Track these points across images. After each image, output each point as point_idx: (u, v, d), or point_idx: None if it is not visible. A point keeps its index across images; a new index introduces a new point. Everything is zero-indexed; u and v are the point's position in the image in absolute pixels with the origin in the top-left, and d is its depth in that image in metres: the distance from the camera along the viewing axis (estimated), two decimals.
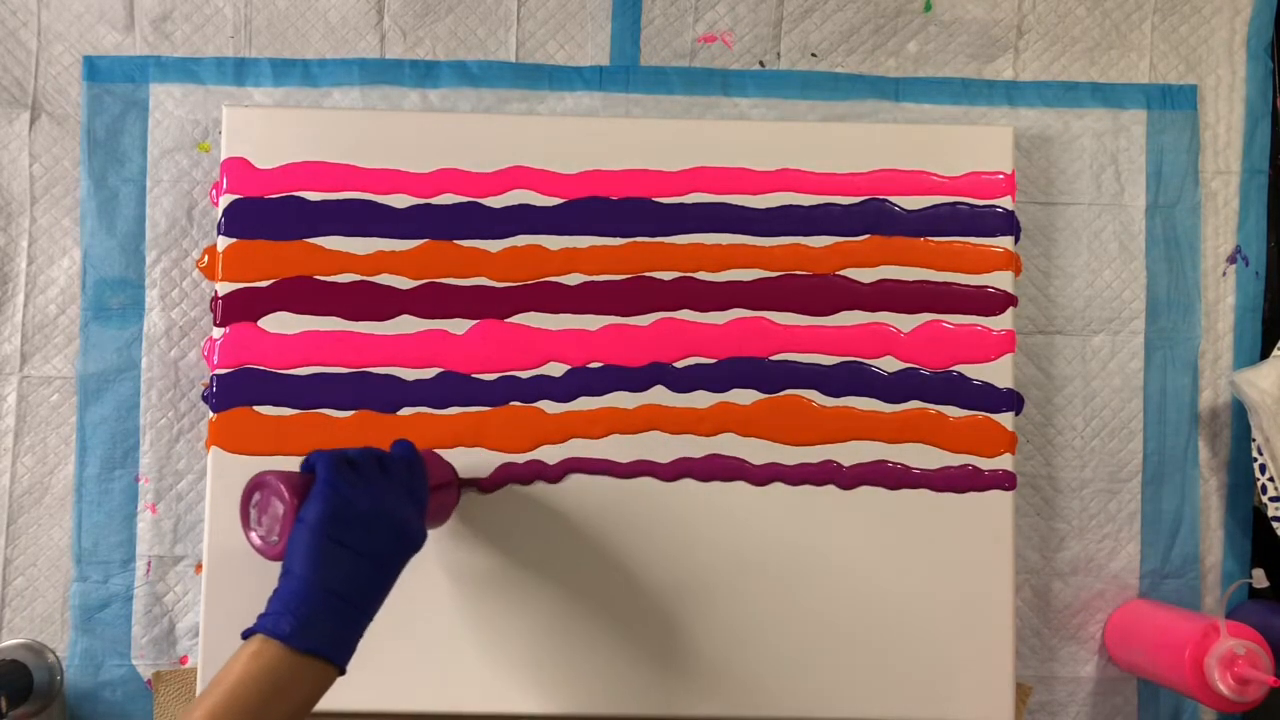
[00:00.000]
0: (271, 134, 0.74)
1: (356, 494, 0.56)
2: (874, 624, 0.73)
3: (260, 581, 0.71)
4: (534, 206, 0.75)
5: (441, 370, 0.74)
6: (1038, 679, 0.78)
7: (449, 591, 0.72)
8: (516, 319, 0.74)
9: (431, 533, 0.72)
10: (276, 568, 0.71)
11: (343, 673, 0.54)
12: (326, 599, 0.53)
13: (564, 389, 0.74)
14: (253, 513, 0.57)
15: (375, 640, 0.71)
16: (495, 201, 0.75)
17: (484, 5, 0.79)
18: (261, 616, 0.53)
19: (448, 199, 0.75)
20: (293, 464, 0.71)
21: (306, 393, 0.73)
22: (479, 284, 0.74)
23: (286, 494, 0.55)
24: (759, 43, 0.80)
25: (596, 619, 0.72)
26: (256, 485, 0.57)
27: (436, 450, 0.72)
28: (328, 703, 0.71)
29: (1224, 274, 0.80)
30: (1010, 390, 0.75)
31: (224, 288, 0.73)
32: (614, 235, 0.75)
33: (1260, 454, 0.74)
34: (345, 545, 0.54)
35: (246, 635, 0.53)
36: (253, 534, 0.57)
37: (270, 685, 0.51)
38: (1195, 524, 0.79)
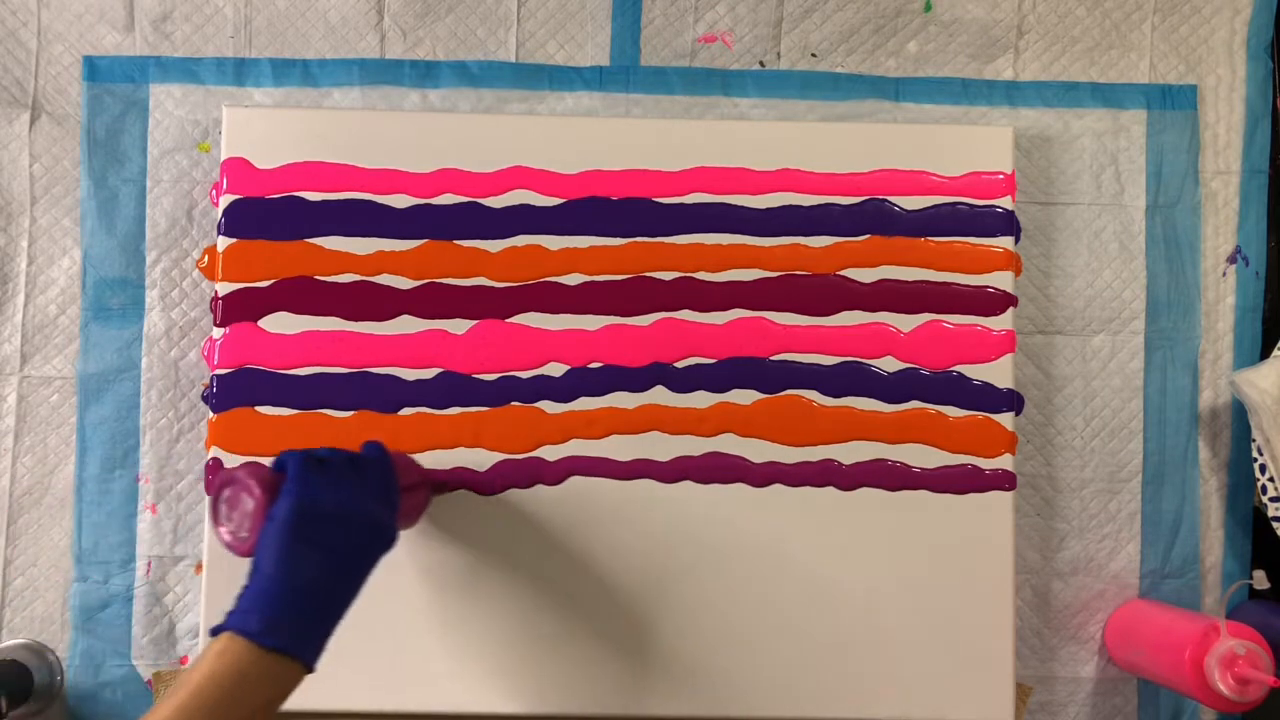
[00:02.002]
0: (271, 134, 0.74)
1: (326, 493, 0.56)
2: (874, 624, 0.73)
3: None
4: (534, 206, 0.75)
5: (441, 370, 0.74)
6: (1038, 679, 0.78)
7: (435, 593, 0.72)
8: (516, 319, 0.74)
9: (418, 534, 0.72)
10: None
11: (311, 671, 0.53)
12: (294, 597, 0.53)
13: (564, 389, 0.74)
14: (222, 508, 0.56)
15: (362, 641, 0.72)
16: (495, 201, 0.75)
17: (484, 5, 0.79)
18: (229, 614, 0.53)
19: (448, 199, 0.75)
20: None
21: (306, 393, 0.73)
22: (479, 284, 0.74)
23: (258, 490, 0.55)
24: (759, 43, 0.80)
25: (595, 619, 0.72)
26: (226, 481, 0.56)
27: (408, 452, 0.72)
28: (313, 703, 0.71)
29: (1224, 274, 0.80)
30: (1010, 390, 0.75)
31: (224, 288, 0.73)
32: (614, 235, 0.75)
33: (1260, 454, 0.74)
34: (314, 543, 0.54)
35: (214, 633, 0.52)
36: (222, 529, 0.56)
37: (236, 682, 0.51)
38: (1195, 524, 0.79)
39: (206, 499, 0.72)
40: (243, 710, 0.51)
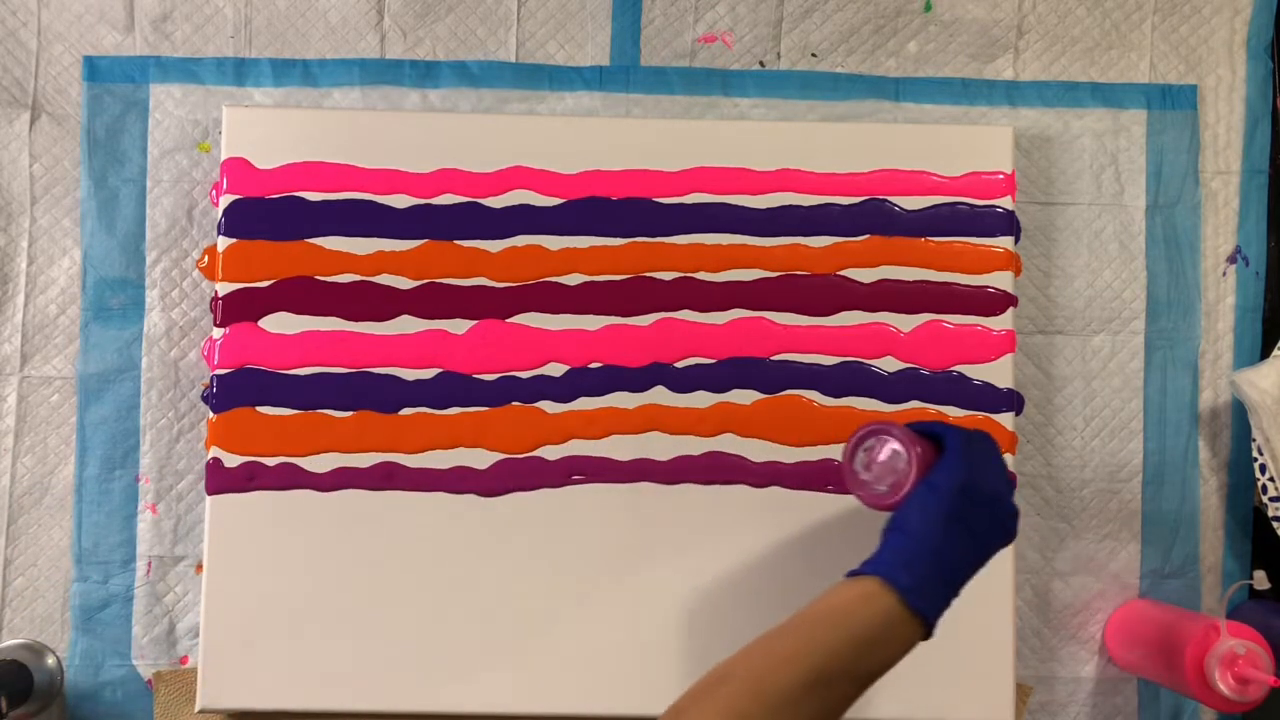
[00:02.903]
0: (271, 134, 0.74)
1: (985, 474, 0.57)
2: None
3: (260, 582, 0.71)
4: (534, 206, 0.75)
5: (441, 370, 0.74)
6: (1038, 679, 0.78)
7: (435, 593, 0.72)
8: (516, 319, 0.74)
9: (418, 534, 0.72)
10: (276, 568, 0.72)
11: (926, 638, 0.53)
12: (940, 567, 0.54)
13: (564, 389, 0.74)
14: (861, 455, 0.58)
15: (363, 641, 0.72)
16: (495, 201, 0.75)
17: (484, 5, 0.79)
18: (870, 563, 0.53)
19: (448, 199, 0.75)
20: (296, 464, 0.72)
21: (306, 393, 0.73)
22: (479, 284, 0.74)
23: (916, 450, 0.56)
24: (759, 43, 0.80)
25: (596, 619, 0.72)
26: (874, 432, 0.58)
27: None
28: (313, 703, 0.71)
29: (1224, 274, 0.80)
30: (1010, 390, 0.75)
31: (224, 288, 0.73)
32: (614, 235, 0.75)
33: (1260, 454, 0.75)
34: (965, 521, 0.55)
35: (852, 575, 0.53)
36: (862, 476, 0.58)
37: (882, 631, 0.51)
38: (1195, 524, 0.79)
39: (207, 500, 0.72)
40: (878, 661, 0.51)
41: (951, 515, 0.55)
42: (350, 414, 0.73)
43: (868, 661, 0.51)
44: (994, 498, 0.57)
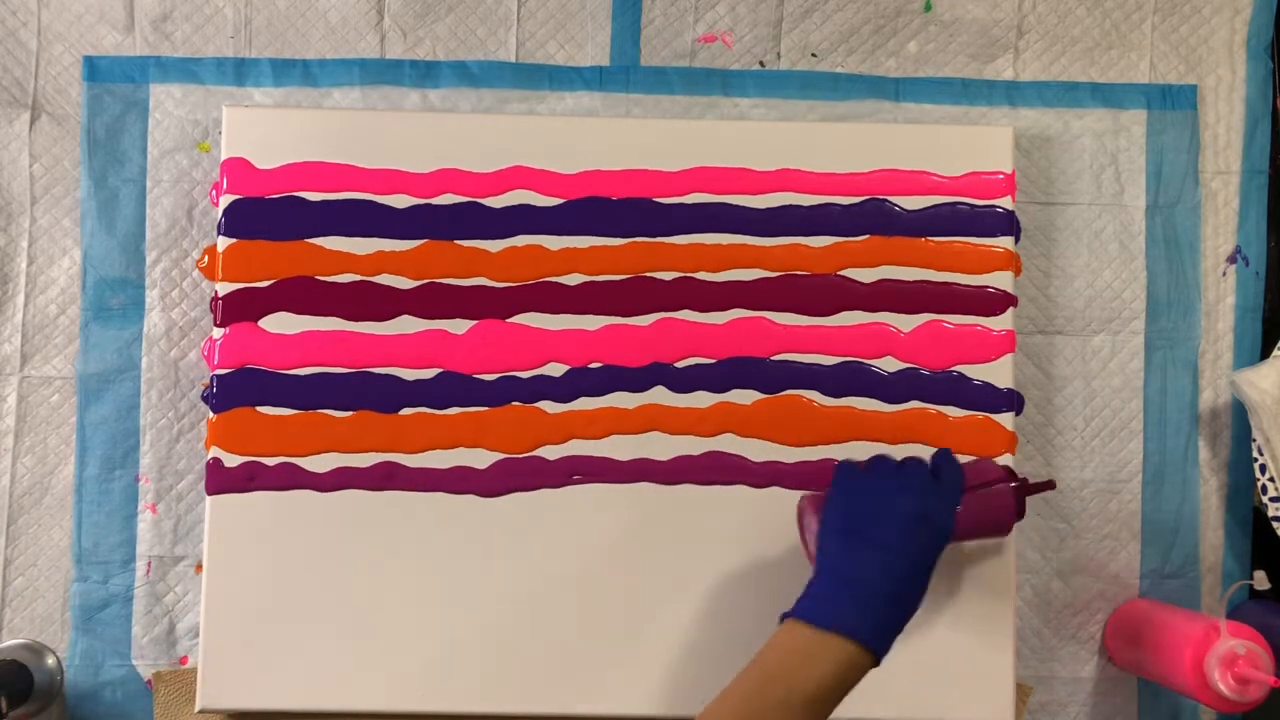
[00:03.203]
0: (271, 134, 0.74)
1: (863, 488, 0.62)
2: None
3: (260, 582, 0.71)
4: (534, 206, 0.75)
5: (441, 370, 0.74)
6: (1038, 679, 0.78)
7: (435, 593, 0.72)
8: (516, 319, 0.74)
9: (418, 534, 0.72)
10: (276, 568, 0.72)
11: (877, 659, 0.56)
12: (840, 582, 0.58)
13: (564, 389, 0.74)
14: (808, 537, 0.66)
15: (363, 641, 0.72)
16: (495, 201, 0.75)
17: (484, 5, 0.79)
18: (795, 603, 0.58)
19: (448, 199, 0.75)
20: (296, 464, 0.72)
21: (306, 393, 0.73)
22: (479, 284, 0.74)
23: (809, 507, 0.66)
24: (759, 43, 0.80)
25: (596, 619, 0.72)
26: (799, 512, 0.67)
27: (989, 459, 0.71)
28: (312, 703, 0.71)
29: (1224, 274, 0.80)
30: (1010, 390, 0.75)
31: (224, 288, 0.73)
32: (614, 235, 0.75)
33: (1260, 454, 0.75)
34: (854, 533, 0.59)
35: (782, 619, 0.58)
36: (806, 552, 0.66)
37: (797, 656, 0.55)
38: (1195, 524, 0.79)
39: (207, 500, 0.72)
40: (802, 681, 0.54)
41: (833, 534, 0.60)
42: (350, 414, 0.73)
43: (797, 680, 0.54)
44: (879, 506, 0.60)
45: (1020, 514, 0.67)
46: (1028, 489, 0.68)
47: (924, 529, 0.59)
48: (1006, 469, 0.68)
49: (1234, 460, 0.79)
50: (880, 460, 0.65)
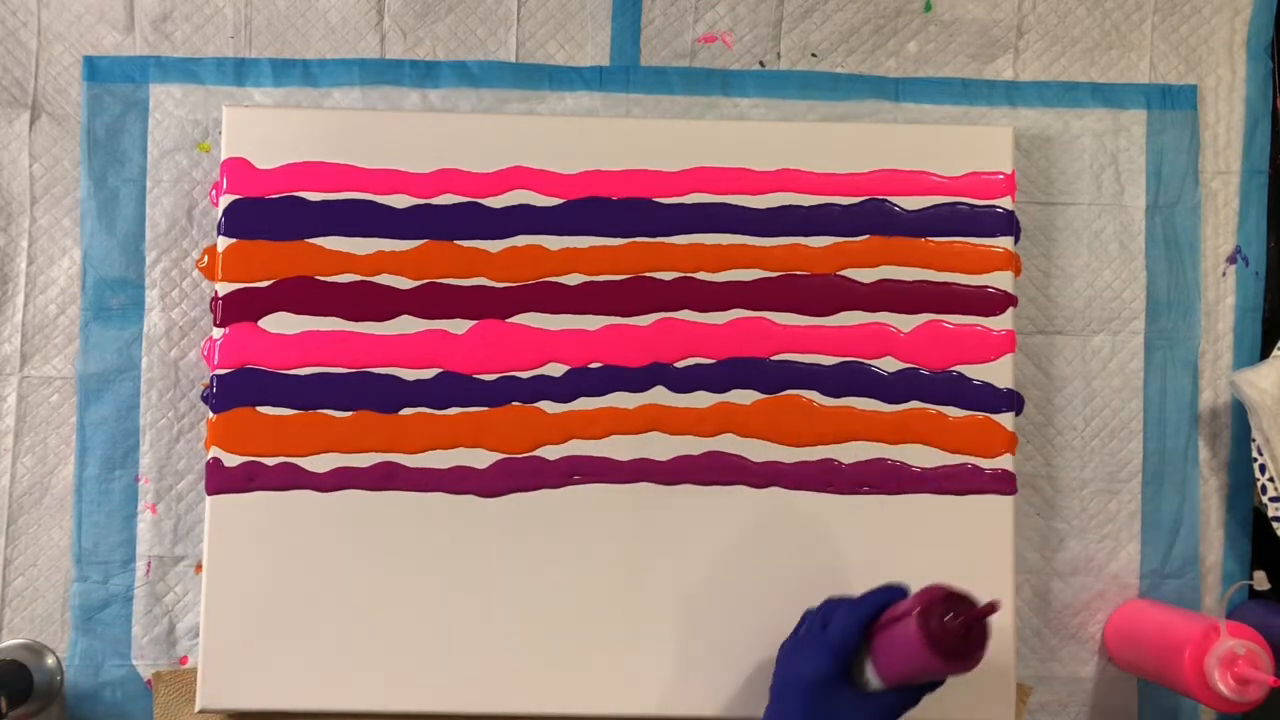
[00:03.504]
0: (271, 134, 0.74)
1: (797, 662, 0.62)
2: None
3: (260, 582, 0.72)
4: (534, 206, 0.75)
5: (441, 370, 0.74)
6: (1038, 679, 0.78)
7: (434, 594, 0.72)
8: (516, 319, 0.74)
9: (417, 535, 0.72)
10: (276, 568, 0.72)
11: None
12: None
13: (564, 389, 0.74)
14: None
15: (363, 641, 0.72)
16: (495, 201, 0.75)
17: (484, 5, 0.79)
18: None
19: (448, 199, 0.75)
20: (296, 464, 0.72)
21: (306, 393, 0.73)
22: (479, 284, 0.74)
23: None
24: (759, 43, 0.80)
25: (596, 619, 0.73)
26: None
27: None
28: (312, 703, 0.71)
29: (1224, 274, 0.80)
30: (1010, 390, 0.75)
31: (224, 288, 0.73)
32: (614, 235, 0.75)
33: (1260, 454, 0.75)
34: (772, 692, 0.63)
35: None
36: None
37: None
38: (1195, 524, 0.79)
39: (207, 500, 0.72)
40: None
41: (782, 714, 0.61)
42: (350, 414, 0.73)
43: None
44: (783, 673, 0.62)
45: (952, 647, 0.54)
46: (945, 620, 0.54)
47: (813, 690, 0.59)
48: (947, 594, 0.56)
49: (1234, 460, 0.79)
50: (810, 616, 0.64)
